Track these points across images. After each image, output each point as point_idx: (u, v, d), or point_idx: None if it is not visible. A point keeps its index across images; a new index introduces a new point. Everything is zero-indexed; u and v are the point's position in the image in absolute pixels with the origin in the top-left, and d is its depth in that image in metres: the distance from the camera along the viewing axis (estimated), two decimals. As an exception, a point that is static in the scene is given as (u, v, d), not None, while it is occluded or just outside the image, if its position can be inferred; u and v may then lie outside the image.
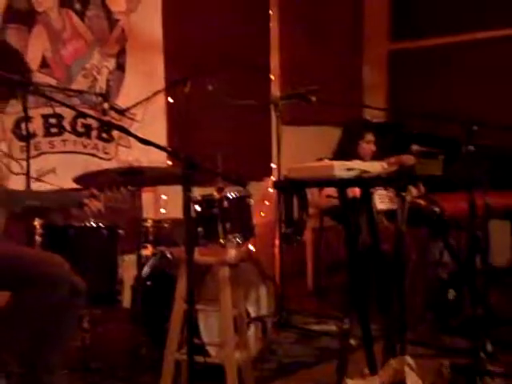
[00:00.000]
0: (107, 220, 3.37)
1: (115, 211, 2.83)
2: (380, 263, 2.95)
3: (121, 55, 4.40)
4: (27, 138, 3.26)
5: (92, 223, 3.34)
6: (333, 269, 4.81)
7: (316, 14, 5.93)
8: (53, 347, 2.53)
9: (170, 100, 4.63)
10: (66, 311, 2.51)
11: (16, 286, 2.35)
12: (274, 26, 5.60)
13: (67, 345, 2.65)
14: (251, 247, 3.99)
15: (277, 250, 4.65)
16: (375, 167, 2.64)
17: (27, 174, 3.35)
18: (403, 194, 2.58)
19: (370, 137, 4.35)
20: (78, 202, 2.62)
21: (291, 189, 2.66)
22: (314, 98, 3.89)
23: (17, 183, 3.35)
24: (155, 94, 4.13)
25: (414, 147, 3.93)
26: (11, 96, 2.56)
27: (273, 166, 5.39)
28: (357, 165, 2.62)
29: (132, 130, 2.47)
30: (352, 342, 3.22)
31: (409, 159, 2.61)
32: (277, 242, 4.67)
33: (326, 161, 3.35)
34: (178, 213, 4.08)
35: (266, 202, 5.29)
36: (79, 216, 2.69)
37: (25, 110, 3.32)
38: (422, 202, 4.02)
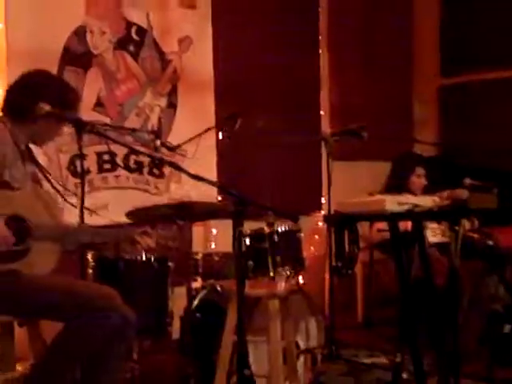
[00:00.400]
0: (158, 253, 3.43)
1: (165, 247, 2.88)
2: (432, 297, 2.91)
3: (172, 94, 4.52)
4: (82, 174, 3.35)
5: (143, 256, 3.40)
6: (383, 302, 4.75)
7: (366, 50, 5.98)
8: (104, 377, 2.56)
9: (220, 137, 4.71)
10: (117, 343, 2.54)
11: (68, 317, 2.40)
12: (323, 62, 5.67)
13: (117, 376, 2.67)
14: (301, 280, 4.00)
15: (326, 283, 4.63)
16: (427, 201, 2.64)
17: (81, 210, 3.45)
18: (456, 227, 2.56)
19: (420, 171, 4.33)
20: (130, 239, 2.69)
21: (342, 223, 2.67)
22: (365, 134, 3.91)
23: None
24: (206, 130, 4.21)
25: (467, 181, 3.90)
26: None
27: (322, 200, 5.40)
28: (408, 199, 2.62)
29: (183, 167, 2.53)
30: (404, 375, 3.17)
31: (462, 193, 2.60)
32: (326, 275, 4.65)
33: (378, 195, 3.35)
34: (227, 246, 4.14)
35: (316, 236, 5.29)
36: (130, 251, 2.75)
37: (80, 147, 3.44)
38: (475, 235, 3.96)
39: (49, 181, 2.76)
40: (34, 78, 2.69)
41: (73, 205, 2.84)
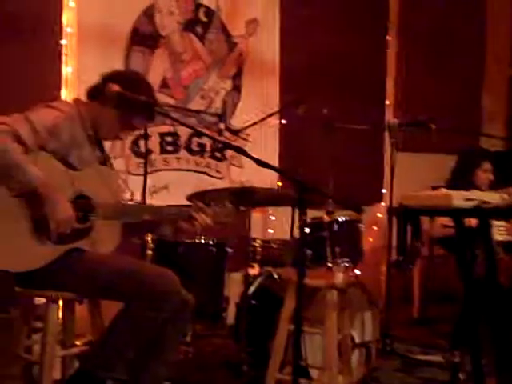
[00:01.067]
0: (216, 237, 3.44)
1: (224, 227, 2.87)
2: (496, 296, 2.83)
3: (237, 77, 4.51)
4: (145, 155, 3.38)
5: (202, 240, 3.42)
6: (440, 299, 4.66)
7: (435, 39, 5.83)
8: (159, 358, 2.59)
9: (284, 122, 4.68)
10: (174, 325, 2.56)
11: (129, 297, 2.42)
12: (391, 50, 5.56)
13: (172, 357, 2.69)
14: (357, 272, 3.95)
15: (383, 277, 4.57)
16: (494, 197, 2.55)
17: (143, 190, 3.48)
18: (524, 226, 2.47)
19: (487, 165, 4.21)
20: (186, 215, 2.68)
21: (406, 216, 2.61)
22: (433, 126, 3.83)
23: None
24: (269, 115, 4.18)
25: (536, 177, 3.78)
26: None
27: (383, 191, 5.32)
28: (475, 195, 2.54)
29: (247, 151, 2.51)
30: (460, 376, 3.10)
31: (533, 191, 2.50)
32: (384, 267, 4.58)
33: (443, 190, 3.26)
34: (285, 234, 4.13)
35: (375, 228, 5.22)
36: (188, 229, 2.74)
37: (145, 128, 3.46)
38: (543, 234, 3.83)
39: (111, 166, 2.78)
40: (120, 70, 2.72)
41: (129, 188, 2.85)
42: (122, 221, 2.60)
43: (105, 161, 2.71)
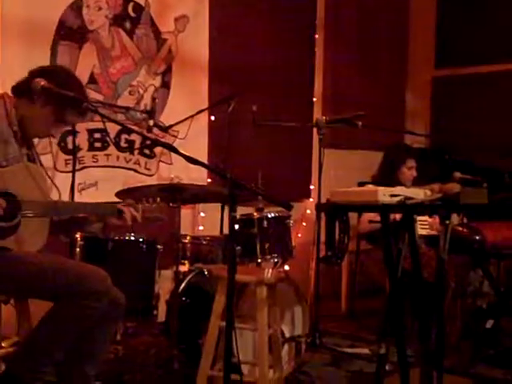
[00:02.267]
0: (146, 234, 3.42)
1: (153, 222, 2.86)
2: (420, 289, 2.92)
3: (167, 73, 4.48)
4: (74, 151, 3.33)
5: (131, 237, 3.39)
6: (368, 292, 4.78)
7: (361, 39, 5.97)
8: (89, 358, 2.56)
9: (213, 119, 4.69)
10: (104, 323, 2.53)
11: (58, 296, 2.39)
12: (319, 49, 5.65)
13: (102, 357, 2.67)
14: (287, 267, 4.00)
15: (312, 272, 4.64)
16: (418, 193, 2.63)
17: (71, 187, 3.43)
18: (447, 221, 2.56)
19: (411, 162, 4.35)
20: (116, 211, 2.66)
21: (334, 212, 2.66)
22: (360, 123, 3.92)
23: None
24: (199, 112, 4.18)
25: (457, 174, 3.93)
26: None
27: (311, 187, 5.40)
28: (401, 191, 2.62)
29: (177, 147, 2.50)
30: (387, 367, 3.19)
31: (454, 187, 2.59)
32: (312, 263, 4.66)
33: (370, 186, 3.34)
34: (214, 230, 4.15)
35: (304, 224, 5.30)
36: (117, 225, 2.72)
37: (73, 124, 3.40)
38: (463, 229, 3.98)
39: (40, 163, 2.71)
40: (48, 66, 2.67)
41: (57, 187, 2.81)
42: (50, 218, 2.55)
43: (34, 158, 2.65)
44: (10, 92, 2.60)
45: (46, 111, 2.54)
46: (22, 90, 2.54)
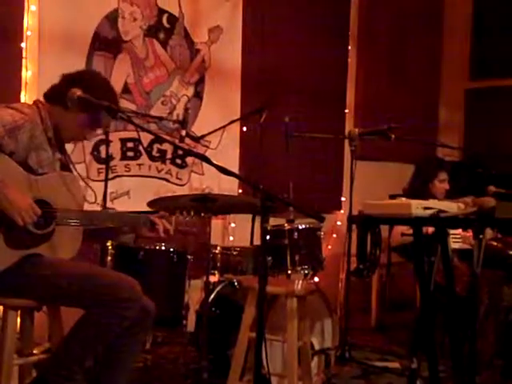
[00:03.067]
0: (177, 244, 3.43)
1: (185, 235, 2.87)
2: (452, 304, 2.88)
3: (199, 84, 4.51)
4: (107, 160, 3.36)
5: (162, 246, 3.41)
6: (398, 306, 4.73)
7: (395, 50, 5.95)
8: (119, 367, 2.57)
9: (245, 129, 4.70)
10: (134, 332, 2.54)
11: (90, 304, 2.40)
12: (352, 61, 5.64)
13: (132, 365, 2.68)
14: (317, 279, 3.98)
15: (342, 284, 4.61)
16: (452, 207, 2.60)
17: (104, 196, 3.45)
18: (481, 236, 2.52)
19: (443, 175, 4.29)
20: (149, 222, 2.67)
21: (366, 224, 2.64)
22: (393, 136, 3.89)
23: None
24: (231, 122, 4.20)
25: (491, 188, 3.88)
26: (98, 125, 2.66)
27: (343, 199, 5.38)
28: (434, 204, 2.59)
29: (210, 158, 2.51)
30: (418, 382, 3.15)
31: (489, 201, 2.55)
32: (342, 275, 4.63)
33: (403, 198, 3.32)
34: (245, 241, 4.15)
35: (334, 235, 5.28)
36: (149, 236, 2.73)
37: (106, 133, 3.44)
38: (497, 244, 3.92)
39: (74, 168, 2.74)
40: (81, 71, 2.69)
41: (93, 190, 2.83)
42: (84, 227, 2.58)
43: (67, 164, 2.68)
44: (42, 98, 2.63)
45: (81, 118, 2.57)
46: (56, 97, 2.56)
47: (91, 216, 2.63)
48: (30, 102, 3.45)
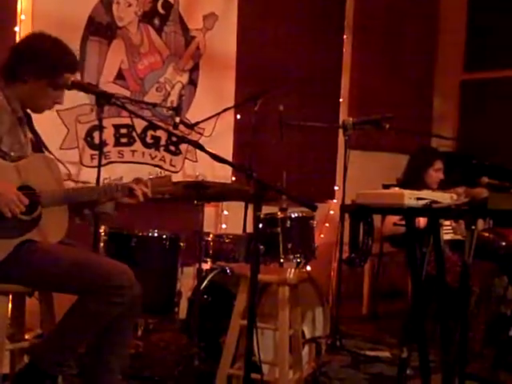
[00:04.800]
0: (169, 231, 3.43)
1: (163, 195, 2.83)
2: (444, 294, 2.90)
3: (194, 71, 4.49)
4: (100, 146, 3.33)
5: (155, 233, 3.40)
6: (389, 295, 4.76)
7: (390, 41, 5.94)
8: (108, 353, 2.55)
9: (239, 117, 4.69)
10: (126, 319, 2.53)
11: (84, 290, 2.39)
12: (346, 50, 5.63)
13: (125, 350, 2.67)
14: (309, 268, 3.99)
15: (334, 273, 4.62)
16: (445, 198, 2.60)
17: (97, 182, 3.43)
18: (473, 226, 2.52)
19: (439, 164, 4.30)
20: (127, 190, 2.64)
21: (359, 214, 2.64)
22: (387, 126, 3.89)
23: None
24: (225, 110, 4.19)
25: (484, 179, 3.89)
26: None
27: (336, 188, 5.38)
28: (427, 194, 2.59)
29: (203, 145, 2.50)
30: (408, 371, 3.17)
31: (482, 192, 2.55)
32: (334, 264, 4.64)
33: (396, 189, 3.32)
34: (237, 229, 4.15)
35: (327, 224, 5.29)
36: (129, 203, 2.71)
37: (100, 119, 3.41)
38: (489, 235, 3.93)
39: (46, 149, 2.70)
40: (28, 40, 2.63)
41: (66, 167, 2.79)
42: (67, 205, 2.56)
43: (38, 144, 2.64)
44: None
45: (42, 84, 2.53)
46: (12, 73, 2.52)
47: (72, 194, 2.60)
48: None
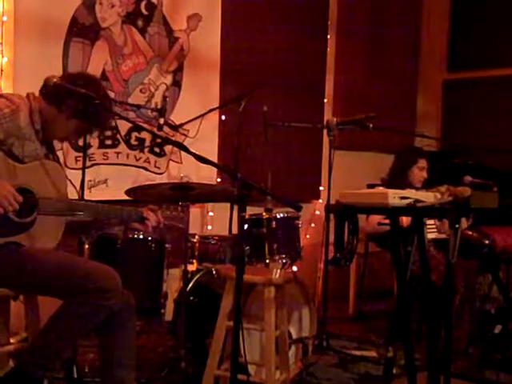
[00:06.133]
0: (162, 233, 3.42)
1: (169, 229, 2.86)
2: (428, 293, 2.91)
3: (178, 72, 4.48)
4: (84, 148, 3.32)
5: (140, 235, 3.39)
6: (375, 295, 4.77)
7: (374, 41, 5.96)
8: (119, 362, 2.52)
9: (223, 118, 4.68)
10: (115, 325, 2.51)
11: (69, 294, 2.37)
12: (330, 50, 5.63)
13: (131, 360, 2.59)
14: (295, 268, 4.00)
15: (320, 273, 4.63)
16: (429, 197, 2.61)
17: (81, 184, 3.42)
18: (457, 225, 2.54)
19: (423, 163, 4.32)
20: (140, 217, 2.67)
21: (344, 214, 2.65)
22: (370, 125, 3.91)
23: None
24: (209, 111, 4.19)
25: (467, 178, 3.90)
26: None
27: (321, 188, 5.40)
28: (411, 193, 2.60)
29: (188, 147, 2.50)
30: (394, 370, 3.19)
31: (465, 191, 2.57)
32: (320, 264, 4.65)
33: (380, 188, 3.33)
34: (223, 230, 4.15)
35: (312, 225, 5.30)
36: (139, 229, 2.73)
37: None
38: (472, 233, 3.96)
39: (59, 163, 2.71)
40: (90, 81, 2.63)
41: (71, 182, 2.82)
42: (70, 217, 2.55)
43: (53, 158, 2.66)
44: (37, 93, 2.61)
45: (71, 124, 2.57)
46: (54, 98, 2.54)
47: (77, 207, 2.59)
48: (7, 89, 3.44)
